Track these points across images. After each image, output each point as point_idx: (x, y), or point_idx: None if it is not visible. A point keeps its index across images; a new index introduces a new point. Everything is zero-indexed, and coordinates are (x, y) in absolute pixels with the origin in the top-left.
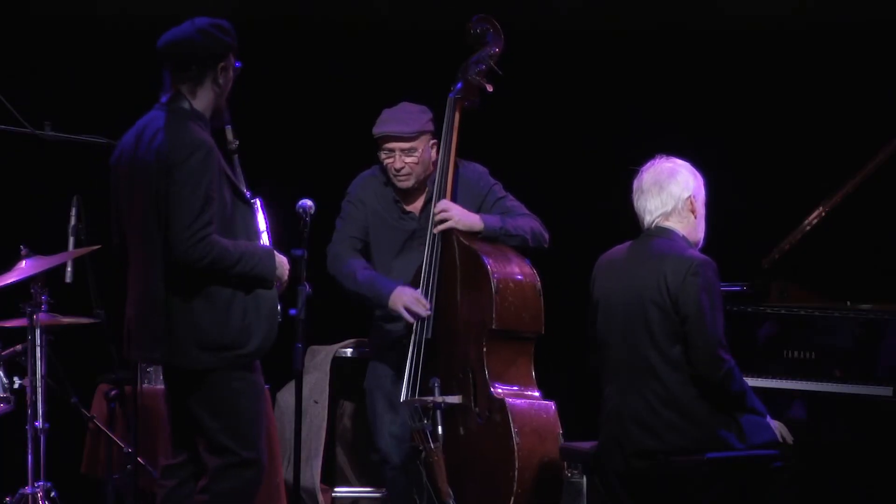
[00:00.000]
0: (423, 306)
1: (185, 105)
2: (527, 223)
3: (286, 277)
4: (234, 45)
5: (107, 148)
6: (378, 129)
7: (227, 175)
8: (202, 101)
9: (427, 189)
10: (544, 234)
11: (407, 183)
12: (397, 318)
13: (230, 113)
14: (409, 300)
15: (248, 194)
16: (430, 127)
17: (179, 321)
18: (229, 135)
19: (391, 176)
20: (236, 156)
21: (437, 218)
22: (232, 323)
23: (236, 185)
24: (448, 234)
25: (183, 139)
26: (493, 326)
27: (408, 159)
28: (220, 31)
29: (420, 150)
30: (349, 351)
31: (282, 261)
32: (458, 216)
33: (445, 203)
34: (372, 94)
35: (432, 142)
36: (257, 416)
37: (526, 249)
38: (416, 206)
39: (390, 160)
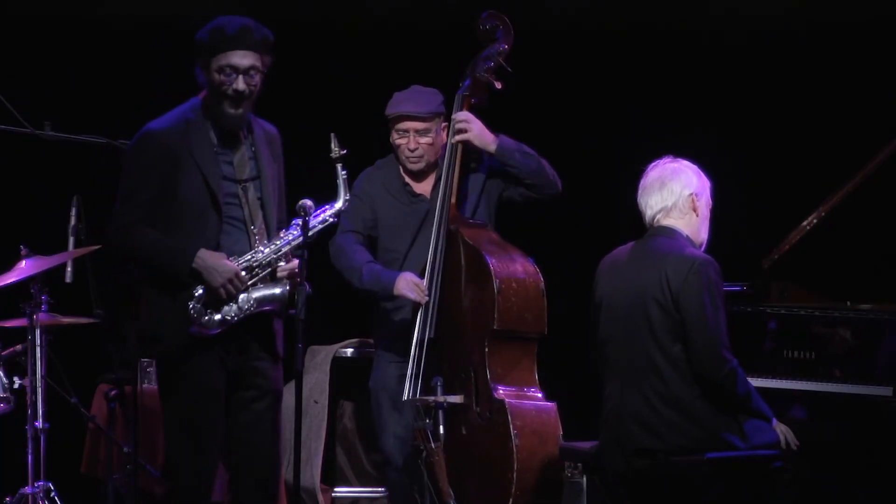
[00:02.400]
0: (421, 292)
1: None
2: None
3: (218, 283)
4: (216, 45)
5: (106, 148)
6: (393, 110)
7: (203, 174)
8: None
9: (436, 171)
10: (558, 178)
11: (419, 165)
12: (400, 312)
13: (243, 116)
14: (404, 286)
15: (337, 205)
16: (443, 109)
17: (131, 313)
18: (333, 143)
19: (403, 158)
20: (339, 164)
21: (457, 127)
22: (157, 316)
23: (210, 186)
24: (454, 232)
25: None
26: (496, 326)
27: (422, 140)
28: (206, 29)
29: (433, 132)
30: (349, 351)
31: (213, 264)
32: (476, 131)
33: (466, 114)
34: (374, 93)
35: (444, 124)
36: (188, 423)
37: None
38: (425, 189)
39: (403, 140)
